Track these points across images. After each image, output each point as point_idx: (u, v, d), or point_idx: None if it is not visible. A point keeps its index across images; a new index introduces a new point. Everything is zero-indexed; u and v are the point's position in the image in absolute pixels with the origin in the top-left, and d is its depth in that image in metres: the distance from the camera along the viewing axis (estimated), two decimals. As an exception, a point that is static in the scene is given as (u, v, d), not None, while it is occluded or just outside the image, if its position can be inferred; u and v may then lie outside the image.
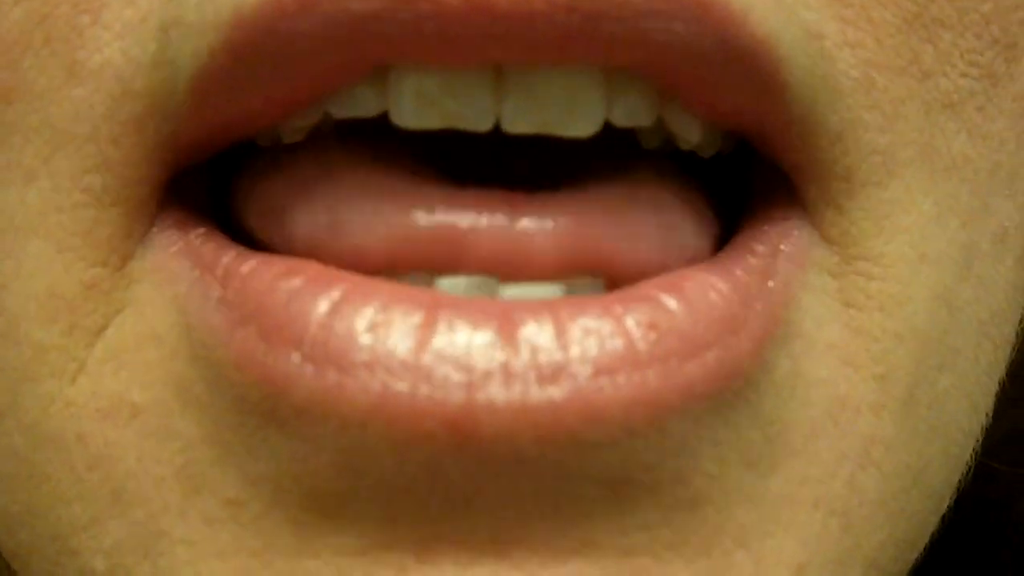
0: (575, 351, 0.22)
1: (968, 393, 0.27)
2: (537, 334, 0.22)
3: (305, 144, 0.26)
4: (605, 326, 0.22)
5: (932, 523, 0.28)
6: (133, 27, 0.23)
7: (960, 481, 0.30)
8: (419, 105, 0.24)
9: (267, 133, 0.25)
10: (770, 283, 0.24)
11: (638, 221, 0.25)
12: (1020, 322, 0.33)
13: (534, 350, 0.22)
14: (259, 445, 0.23)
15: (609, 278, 0.25)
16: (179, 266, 0.24)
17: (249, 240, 0.26)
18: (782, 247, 0.25)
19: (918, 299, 0.25)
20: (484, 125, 0.24)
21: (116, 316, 0.25)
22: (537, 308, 0.23)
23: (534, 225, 0.24)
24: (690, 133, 0.25)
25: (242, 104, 0.24)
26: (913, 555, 0.28)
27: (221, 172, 0.27)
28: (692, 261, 0.25)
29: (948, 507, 0.30)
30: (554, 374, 0.22)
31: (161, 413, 0.24)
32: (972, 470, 0.31)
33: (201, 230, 0.25)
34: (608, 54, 0.23)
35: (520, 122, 0.24)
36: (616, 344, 0.22)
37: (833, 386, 0.25)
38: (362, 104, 0.24)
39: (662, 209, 0.26)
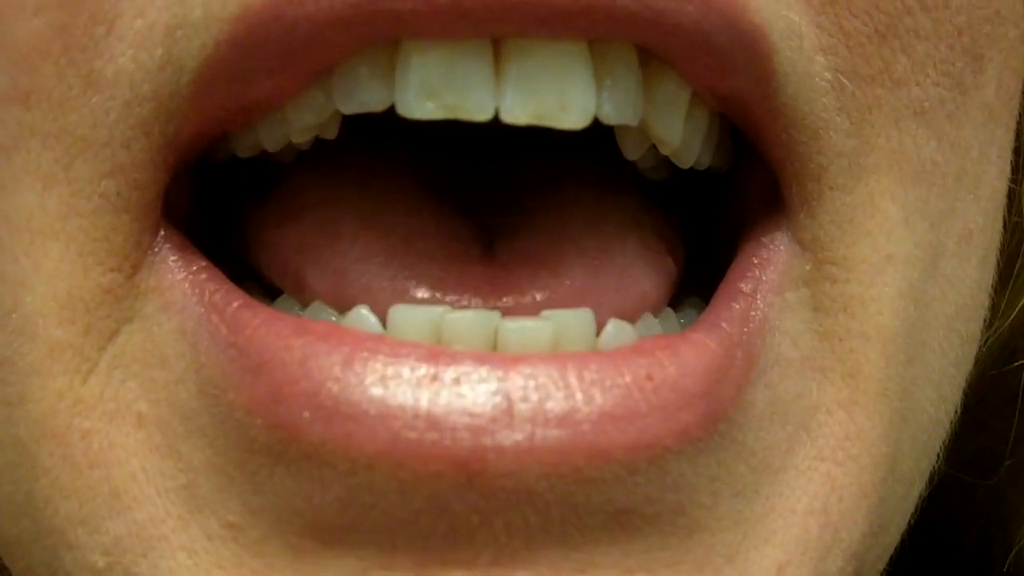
0: (580, 398, 0.24)
1: (936, 384, 0.29)
2: (543, 383, 0.24)
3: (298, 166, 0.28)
4: (608, 376, 0.24)
5: (906, 511, 0.30)
6: (143, 35, 0.24)
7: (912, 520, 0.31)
8: (423, 97, 0.25)
9: (273, 132, 0.27)
10: (749, 325, 0.26)
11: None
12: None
13: (540, 398, 0.23)
14: (263, 481, 0.24)
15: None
16: (185, 299, 0.25)
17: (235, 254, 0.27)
18: (764, 277, 0.27)
19: (883, 298, 0.27)
20: (484, 115, 0.25)
21: (126, 324, 0.25)
22: (541, 359, 0.24)
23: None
24: (671, 134, 0.27)
25: (242, 93, 0.25)
26: (891, 544, 0.29)
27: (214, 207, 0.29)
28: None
29: (902, 544, 0.31)
30: (560, 420, 0.23)
31: (165, 432, 0.25)
32: (921, 512, 0.33)
33: (203, 263, 0.26)
34: (624, 32, 0.24)
35: (518, 112, 0.25)
36: (618, 393, 0.24)
37: (807, 396, 0.26)
38: (369, 98, 0.25)
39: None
